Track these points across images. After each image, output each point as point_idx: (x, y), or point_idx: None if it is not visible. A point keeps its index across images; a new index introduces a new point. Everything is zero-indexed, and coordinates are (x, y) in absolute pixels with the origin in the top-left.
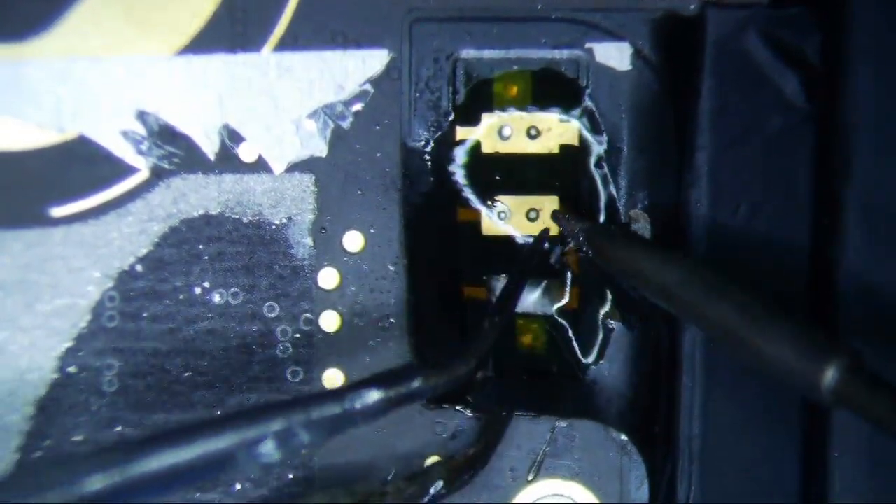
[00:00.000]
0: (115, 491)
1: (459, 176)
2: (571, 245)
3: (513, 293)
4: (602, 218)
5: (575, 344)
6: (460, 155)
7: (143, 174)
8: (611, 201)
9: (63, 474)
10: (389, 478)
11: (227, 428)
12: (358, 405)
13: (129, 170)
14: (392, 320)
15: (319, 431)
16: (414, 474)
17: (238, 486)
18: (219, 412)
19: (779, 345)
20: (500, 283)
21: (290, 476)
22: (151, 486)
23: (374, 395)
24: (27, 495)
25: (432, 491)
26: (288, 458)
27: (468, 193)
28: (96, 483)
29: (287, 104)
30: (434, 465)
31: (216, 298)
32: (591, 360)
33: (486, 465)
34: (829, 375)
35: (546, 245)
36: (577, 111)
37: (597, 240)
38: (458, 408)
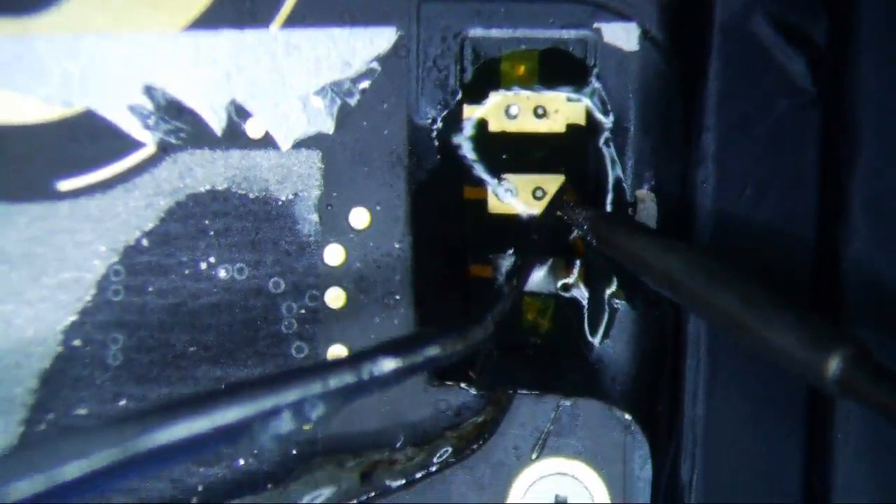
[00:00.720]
0: (130, 461)
1: (467, 150)
2: (576, 233)
3: (530, 257)
4: (609, 198)
5: (586, 322)
6: (467, 129)
7: (149, 149)
8: (617, 181)
9: (79, 446)
10: (398, 445)
11: (242, 399)
12: (374, 373)
13: (136, 144)
14: (397, 297)
15: (335, 400)
16: (422, 441)
17: (241, 462)
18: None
19: (783, 333)
20: (505, 261)
21: (294, 451)
22: (166, 456)
23: (389, 364)
24: (45, 467)
25: (439, 459)
26: (301, 427)
27: (476, 169)
28: (109, 456)
29: (294, 81)
30: (443, 433)
31: (222, 273)
32: (596, 339)
33: (494, 433)
34: (834, 364)
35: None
36: (584, 91)
37: (600, 228)
38: (461, 385)
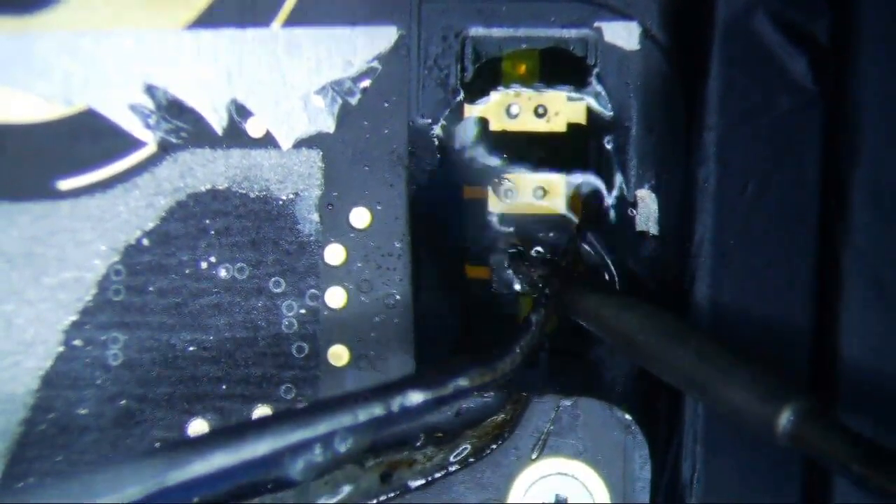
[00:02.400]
0: (161, 495)
1: (467, 150)
2: (529, 290)
3: (560, 285)
4: (612, 198)
5: None
6: (468, 128)
7: (150, 148)
8: (618, 181)
9: (111, 480)
10: (418, 444)
11: (272, 431)
12: (405, 405)
13: (137, 144)
14: (397, 297)
15: (364, 433)
16: (442, 441)
17: None
18: (224, 387)
19: (736, 390)
20: (503, 261)
21: None
22: (196, 489)
23: (418, 397)
24: (78, 499)
25: (458, 458)
26: (332, 460)
27: (476, 169)
28: (144, 489)
29: (295, 80)
30: (462, 432)
31: (222, 273)
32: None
33: (513, 431)
34: (784, 419)
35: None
36: (585, 90)
37: (556, 287)
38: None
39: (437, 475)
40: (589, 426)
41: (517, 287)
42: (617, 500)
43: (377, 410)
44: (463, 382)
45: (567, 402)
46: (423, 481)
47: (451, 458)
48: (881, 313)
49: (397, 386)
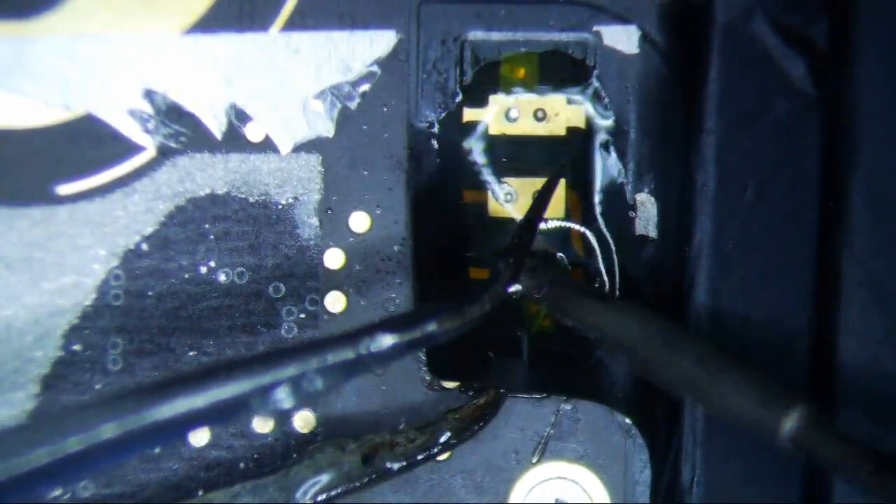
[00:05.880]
0: (128, 437)
1: (476, 154)
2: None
3: (528, 234)
4: (598, 202)
5: None
6: (473, 138)
7: (149, 153)
8: (617, 185)
9: (77, 422)
10: (400, 427)
11: (241, 373)
12: (372, 349)
13: (136, 148)
14: (397, 301)
15: (333, 376)
16: (423, 424)
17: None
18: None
19: (738, 395)
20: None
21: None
22: (164, 432)
23: (387, 340)
24: (42, 444)
25: (441, 441)
26: (300, 404)
27: (485, 173)
28: (110, 430)
29: (294, 84)
30: (443, 415)
31: (222, 278)
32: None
33: (495, 415)
34: (788, 424)
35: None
36: (584, 93)
37: (553, 295)
38: (462, 388)
39: (419, 457)
40: (589, 430)
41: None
42: (617, 503)
43: (347, 354)
44: (432, 326)
45: (567, 406)
46: (404, 463)
47: (434, 441)
48: (880, 317)
49: (367, 330)
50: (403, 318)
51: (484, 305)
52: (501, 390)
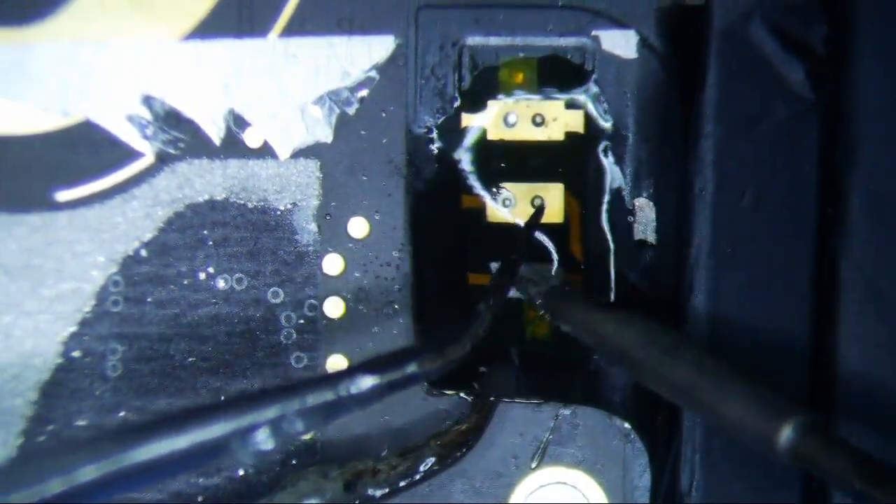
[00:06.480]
0: (109, 480)
1: (465, 163)
2: (526, 300)
3: (506, 277)
4: (605, 206)
5: None
6: (467, 142)
7: (148, 159)
8: (616, 190)
9: (57, 465)
10: (383, 454)
11: (220, 416)
12: (352, 391)
13: (135, 154)
14: (396, 307)
15: (314, 418)
16: (406, 451)
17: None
18: (222, 398)
19: (736, 405)
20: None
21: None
22: (145, 474)
23: (368, 381)
24: (22, 486)
25: (423, 468)
26: (282, 445)
27: (473, 181)
28: (90, 473)
29: (293, 90)
30: (426, 441)
31: (220, 284)
32: None
33: (478, 441)
34: (785, 435)
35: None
36: (583, 99)
37: (554, 303)
38: (461, 395)
39: (402, 484)
40: (588, 435)
41: (518, 294)
42: None
43: (327, 395)
44: (412, 368)
45: (566, 411)
46: (387, 490)
47: (417, 468)
48: (879, 322)
49: (348, 372)
50: (384, 360)
51: (465, 346)
52: (492, 398)
